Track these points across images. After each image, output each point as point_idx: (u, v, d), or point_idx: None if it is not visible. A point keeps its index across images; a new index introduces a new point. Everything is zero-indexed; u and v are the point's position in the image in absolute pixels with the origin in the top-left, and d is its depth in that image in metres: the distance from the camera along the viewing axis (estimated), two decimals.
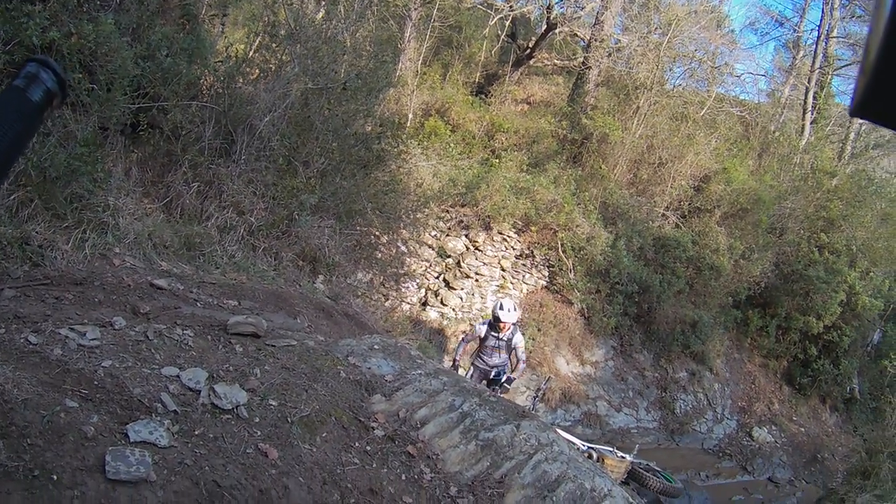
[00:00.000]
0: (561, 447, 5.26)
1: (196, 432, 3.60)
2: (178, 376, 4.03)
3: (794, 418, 19.12)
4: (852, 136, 27.59)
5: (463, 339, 10.51)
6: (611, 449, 9.24)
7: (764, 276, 18.83)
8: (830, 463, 17.45)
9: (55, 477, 2.78)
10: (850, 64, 28.70)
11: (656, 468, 10.10)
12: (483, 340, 10.08)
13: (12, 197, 5.53)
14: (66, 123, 6.25)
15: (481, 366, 10.08)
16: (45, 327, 3.99)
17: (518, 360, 9.78)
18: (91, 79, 6.57)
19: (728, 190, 18.76)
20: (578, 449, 8.70)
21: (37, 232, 5.46)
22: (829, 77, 27.28)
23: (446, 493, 4.36)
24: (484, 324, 10.05)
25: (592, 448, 9.25)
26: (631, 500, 5.20)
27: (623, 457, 9.10)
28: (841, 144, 26.93)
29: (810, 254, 19.54)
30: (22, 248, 5.22)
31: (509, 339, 9.83)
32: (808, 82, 26.52)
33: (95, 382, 3.59)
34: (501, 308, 9.54)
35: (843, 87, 29.89)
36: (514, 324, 9.71)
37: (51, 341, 3.86)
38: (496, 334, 9.81)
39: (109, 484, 2.91)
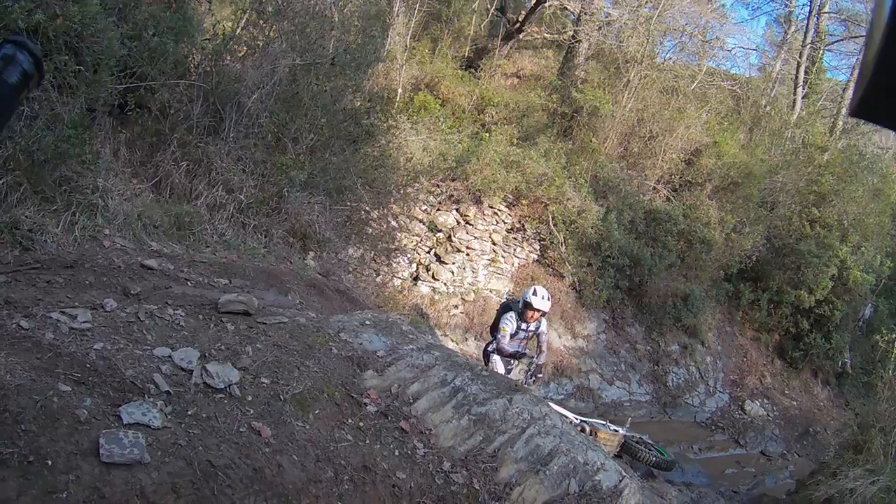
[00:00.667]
0: (553, 421, 5.30)
1: (189, 412, 3.63)
2: (170, 357, 4.05)
3: (786, 392, 19.20)
4: (844, 111, 27.52)
5: (492, 350, 9.50)
6: (603, 422, 9.27)
7: (755, 249, 18.81)
8: (822, 437, 17.48)
9: (50, 462, 2.81)
10: (841, 39, 28.59)
11: (649, 441, 10.16)
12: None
13: (0, 182, 5.52)
14: (52, 106, 6.22)
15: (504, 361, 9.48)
16: (36, 312, 4.00)
17: (540, 347, 9.38)
18: (77, 60, 6.52)
19: (719, 164, 18.70)
20: (571, 423, 8.73)
21: (26, 216, 5.45)
22: (821, 52, 27.17)
23: (440, 468, 4.41)
24: (509, 318, 9.25)
25: (585, 421, 9.26)
26: (623, 472, 5.26)
27: (616, 430, 9.15)
28: (832, 119, 26.74)
29: (802, 228, 19.51)
30: (11, 232, 5.22)
31: (535, 329, 9.33)
32: (800, 57, 26.33)
33: (88, 365, 3.61)
34: (535, 294, 9.00)
35: (835, 63, 29.92)
36: (544, 313, 9.19)
37: (42, 325, 3.87)
38: (524, 326, 9.21)
39: (104, 467, 2.93)
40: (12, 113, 1.38)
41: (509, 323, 9.15)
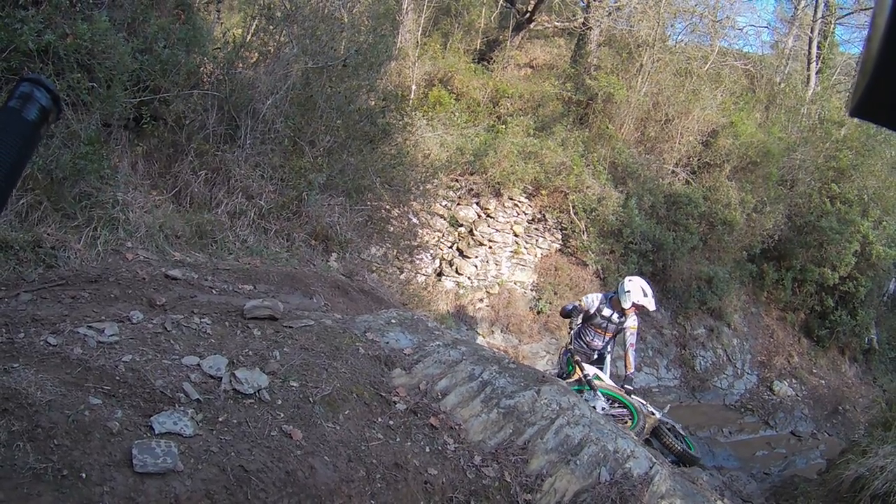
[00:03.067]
0: (582, 410, 5.29)
1: (220, 419, 3.65)
2: (198, 365, 4.07)
3: (814, 371, 19.04)
4: None
5: (574, 307, 9.10)
6: (643, 402, 9.17)
7: (777, 228, 18.68)
8: (852, 414, 17.35)
9: (84, 475, 2.83)
10: (852, 12, 28.22)
11: (681, 431, 10.05)
12: (589, 317, 9.07)
13: (21, 201, 5.57)
14: (69, 124, 6.26)
15: (581, 349, 9.15)
16: (63, 327, 4.04)
17: (627, 344, 8.87)
18: (90, 77, 6.57)
19: (736, 144, 18.57)
20: (616, 393, 8.66)
21: (48, 234, 5.50)
22: (832, 26, 26.79)
23: (471, 462, 4.41)
24: (597, 298, 9.02)
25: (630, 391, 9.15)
26: (654, 459, 5.23)
27: (652, 412, 9.07)
28: (848, 94, 26.49)
29: (822, 205, 19.33)
30: (34, 251, 5.27)
31: (621, 322, 8.92)
32: (812, 32, 26.04)
33: (117, 378, 3.64)
34: (646, 296, 8.62)
35: (847, 36, 29.57)
36: (634, 305, 8.69)
37: (70, 341, 3.91)
38: (608, 314, 8.88)
39: (138, 477, 2.96)
40: (34, 149, 1.40)
41: (592, 300, 8.98)
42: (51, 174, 5.80)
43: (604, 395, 8.38)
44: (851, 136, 20.47)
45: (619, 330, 8.99)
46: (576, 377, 8.61)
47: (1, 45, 5.89)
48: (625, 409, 8.32)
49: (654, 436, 9.12)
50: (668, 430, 9.33)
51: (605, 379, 8.78)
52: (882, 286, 21.37)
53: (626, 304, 8.59)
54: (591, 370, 8.65)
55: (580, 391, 8.27)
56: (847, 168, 19.79)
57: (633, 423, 8.09)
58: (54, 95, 1.39)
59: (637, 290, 8.63)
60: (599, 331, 9.03)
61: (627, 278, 8.88)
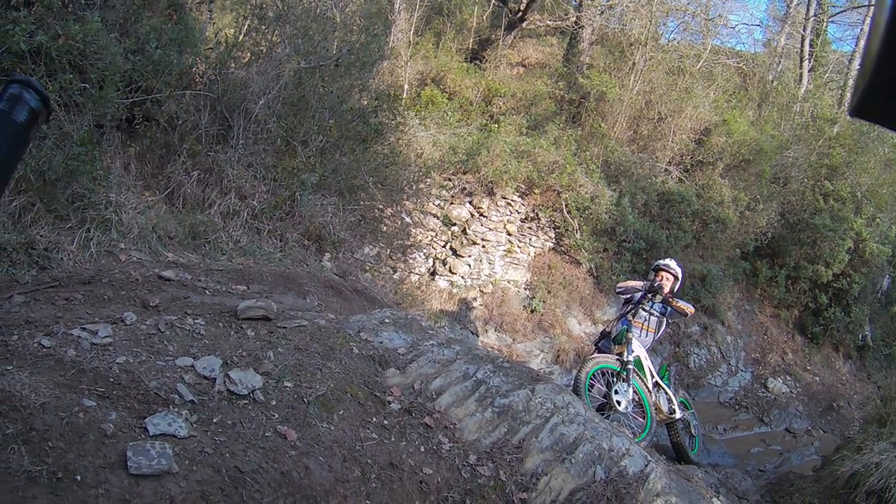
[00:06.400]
0: (577, 409, 5.30)
1: (214, 420, 3.65)
2: (192, 366, 4.07)
3: (808, 367, 19.03)
4: (851, 82, 27.26)
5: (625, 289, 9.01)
6: (672, 397, 9.07)
7: (770, 226, 18.69)
8: (846, 411, 17.36)
9: (79, 477, 2.82)
10: (844, 10, 28.42)
11: (693, 433, 10.01)
12: (633, 302, 8.91)
13: (13, 203, 5.56)
14: (60, 125, 6.26)
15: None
16: (57, 329, 4.03)
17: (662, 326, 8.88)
18: (82, 78, 6.57)
19: (729, 142, 18.60)
20: (650, 377, 8.62)
21: (41, 235, 5.50)
22: (825, 24, 26.88)
23: (466, 461, 4.41)
24: (640, 283, 8.94)
25: (658, 384, 9.06)
26: (649, 457, 5.24)
27: (672, 410, 9.01)
28: (840, 91, 26.54)
29: (815, 202, 19.32)
30: (27, 252, 5.27)
31: (662, 312, 8.80)
32: (804, 30, 26.15)
33: (111, 379, 3.64)
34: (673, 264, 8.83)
35: (839, 34, 29.76)
36: (674, 276, 8.77)
37: (64, 343, 3.90)
38: (648, 305, 8.74)
39: (132, 479, 2.95)
40: (24, 150, 1.41)
41: (635, 281, 8.98)
42: (43, 175, 5.79)
43: (635, 390, 8.26)
44: (844, 133, 20.50)
45: (660, 323, 8.88)
46: (616, 353, 8.48)
47: None
48: (642, 420, 8.18)
49: (665, 427, 9.11)
50: (682, 427, 9.32)
51: (645, 368, 8.63)
52: (875, 283, 21.40)
53: (672, 268, 8.77)
54: (636, 354, 8.45)
55: (615, 372, 8.22)
56: (840, 165, 19.82)
57: (641, 434, 7.95)
58: (44, 97, 1.40)
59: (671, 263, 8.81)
60: (644, 327, 8.83)
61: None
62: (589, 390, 7.83)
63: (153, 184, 7.78)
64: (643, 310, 8.76)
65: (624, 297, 9.11)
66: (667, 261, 8.92)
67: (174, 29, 8.04)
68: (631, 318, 8.76)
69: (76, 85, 6.42)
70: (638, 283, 8.94)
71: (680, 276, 8.89)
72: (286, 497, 3.40)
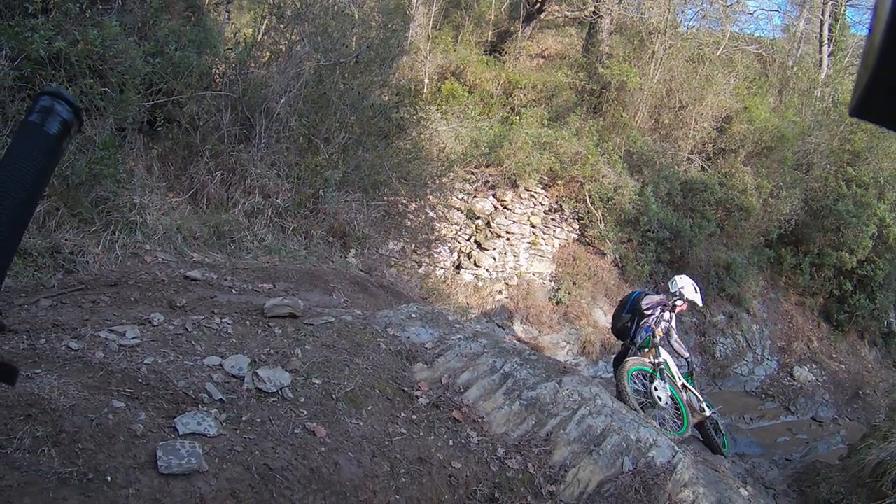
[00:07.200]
0: (604, 400, 5.27)
1: (243, 418, 3.65)
2: (220, 365, 4.08)
3: (834, 355, 18.82)
4: None
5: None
6: (700, 396, 9.09)
7: (794, 213, 18.53)
8: (872, 399, 17.17)
9: (109, 478, 2.83)
10: None
11: (723, 431, 9.98)
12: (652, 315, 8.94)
13: (38, 208, 5.59)
14: (83, 129, 6.29)
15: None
16: (84, 332, 4.05)
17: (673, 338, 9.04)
18: (103, 82, 6.61)
19: (751, 129, 18.48)
20: (678, 380, 8.68)
21: (66, 239, 5.53)
22: (843, 8, 26.54)
23: (494, 454, 4.40)
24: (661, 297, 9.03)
25: (686, 386, 9.08)
26: (676, 448, 5.21)
27: (703, 409, 9.01)
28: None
29: (838, 188, 19.10)
30: (53, 256, 5.31)
31: (669, 317, 8.95)
32: (822, 14, 25.90)
33: (140, 380, 3.65)
34: (697, 291, 8.87)
35: (858, 17, 29.20)
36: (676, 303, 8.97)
37: (92, 345, 3.92)
38: (667, 316, 8.87)
39: (163, 478, 2.96)
40: (57, 161, 1.41)
41: (658, 296, 9.00)
42: (67, 180, 5.83)
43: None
44: None
45: (658, 325, 8.88)
46: (649, 357, 8.59)
47: (13, 53, 5.92)
48: (679, 418, 8.28)
49: (697, 427, 9.11)
50: (712, 427, 9.33)
51: (673, 371, 8.73)
52: None
53: (687, 294, 8.84)
54: (663, 357, 8.63)
55: (648, 374, 8.37)
56: (862, 151, 19.57)
57: (681, 429, 8.01)
58: (75, 108, 1.40)
59: (688, 286, 8.87)
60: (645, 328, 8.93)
61: (677, 276, 9.10)
62: None
63: (176, 185, 7.81)
64: (663, 320, 8.86)
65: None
66: (684, 283, 8.96)
67: (193, 30, 8.08)
68: (654, 327, 8.81)
69: (97, 89, 6.46)
70: (659, 298, 9.00)
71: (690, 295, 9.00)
72: (316, 493, 3.40)
